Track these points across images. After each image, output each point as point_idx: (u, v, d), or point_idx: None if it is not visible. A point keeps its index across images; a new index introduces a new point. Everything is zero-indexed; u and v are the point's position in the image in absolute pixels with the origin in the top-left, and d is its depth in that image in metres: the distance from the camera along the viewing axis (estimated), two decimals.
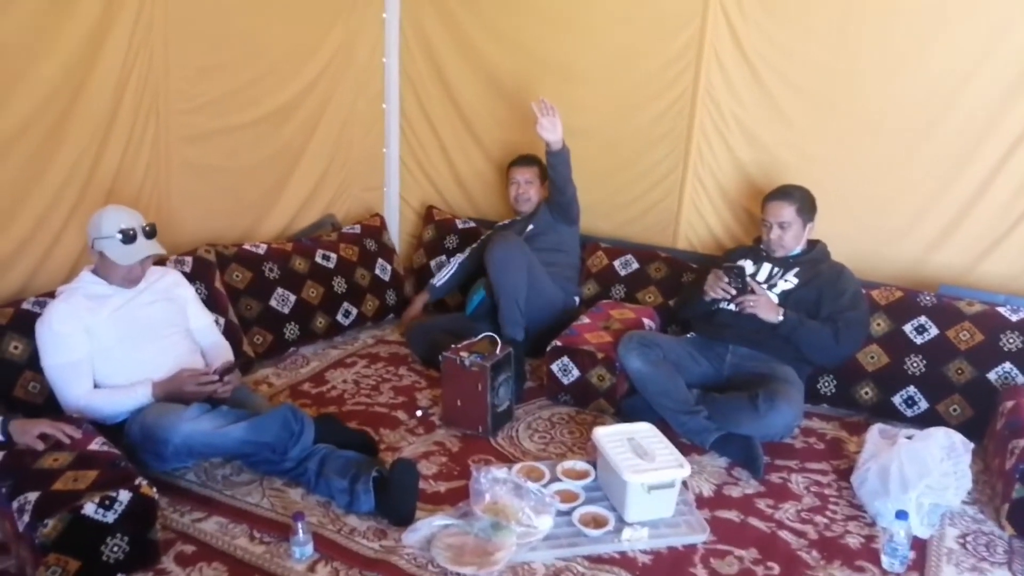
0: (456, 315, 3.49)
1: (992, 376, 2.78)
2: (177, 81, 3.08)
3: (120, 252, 2.45)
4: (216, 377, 2.47)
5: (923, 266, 3.21)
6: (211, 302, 2.98)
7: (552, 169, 3.28)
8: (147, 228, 2.51)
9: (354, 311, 3.58)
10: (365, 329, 3.68)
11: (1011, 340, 2.79)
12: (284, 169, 3.66)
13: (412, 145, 4.16)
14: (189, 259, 3.04)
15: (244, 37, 3.31)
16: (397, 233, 4.24)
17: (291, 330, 3.31)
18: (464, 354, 2.70)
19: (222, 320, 3.00)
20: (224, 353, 2.73)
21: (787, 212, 2.95)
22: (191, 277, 2.93)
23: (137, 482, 2.00)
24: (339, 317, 3.52)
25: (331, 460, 2.35)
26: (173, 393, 2.44)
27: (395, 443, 2.68)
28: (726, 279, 2.86)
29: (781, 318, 2.81)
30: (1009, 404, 2.54)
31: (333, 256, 3.55)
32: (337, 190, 3.95)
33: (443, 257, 3.85)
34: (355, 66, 3.89)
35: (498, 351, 2.74)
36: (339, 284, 3.52)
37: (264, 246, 3.37)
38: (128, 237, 2.45)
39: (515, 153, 3.71)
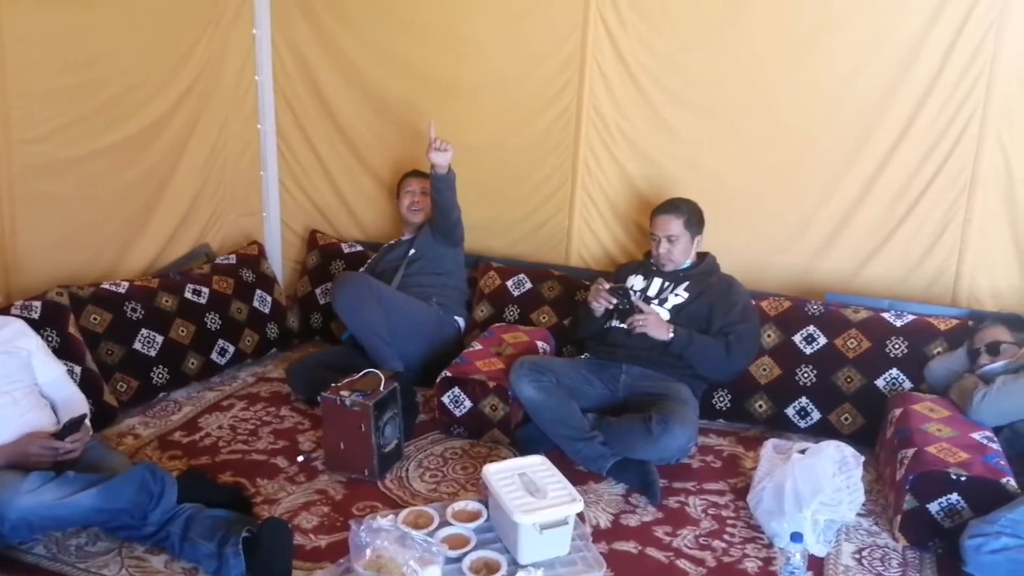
0: (340, 348, 3.30)
1: (880, 383, 2.80)
2: (18, 108, 2.81)
3: None
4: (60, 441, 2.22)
5: (810, 274, 3.24)
6: (65, 350, 2.72)
7: (438, 193, 3.16)
8: None
9: (231, 348, 3.34)
10: (245, 367, 3.44)
11: (897, 346, 2.82)
12: (149, 197, 3.39)
13: (292, 167, 3.95)
14: (38, 304, 2.76)
15: (96, 57, 3.07)
16: (279, 261, 4.01)
17: (159, 374, 3.06)
18: (344, 393, 2.53)
19: (78, 369, 2.73)
20: (79, 407, 2.47)
21: (675, 226, 2.92)
22: (40, 324, 2.67)
23: None
24: (214, 356, 3.27)
25: (197, 521, 2.14)
26: (15, 460, 2.18)
27: (273, 495, 2.48)
28: (604, 288, 2.80)
29: (671, 335, 2.77)
30: (897, 412, 2.55)
31: (205, 290, 3.31)
32: (211, 217, 3.70)
33: (329, 284, 3.65)
34: (224, 85, 3.66)
35: (382, 387, 2.58)
36: (212, 320, 3.28)
37: (125, 284, 3.10)
38: None
39: (401, 171, 3.59)
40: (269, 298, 3.59)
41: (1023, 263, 3.00)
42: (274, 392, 3.22)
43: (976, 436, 2.35)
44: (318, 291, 3.70)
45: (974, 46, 2.88)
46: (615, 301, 2.80)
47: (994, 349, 2.59)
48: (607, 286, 2.82)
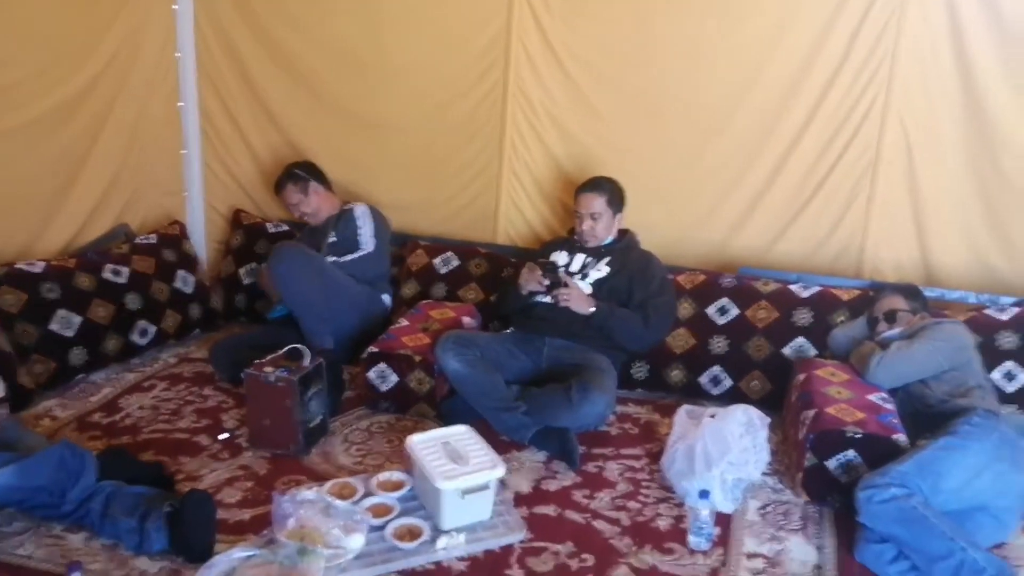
0: (265, 327, 3.28)
1: (787, 351, 2.95)
2: None
3: None
4: None
5: (726, 250, 3.37)
6: None
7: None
8: None
9: (152, 329, 3.29)
10: (167, 348, 3.39)
11: (803, 316, 2.97)
12: (65, 176, 3.30)
13: (215, 146, 3.89)
14: None
15: (3, 33, 2.96)
16: (203, 240, 3.95)
17: (77, 355, 2.99)
18: (268, 369, 2.54)
19: None
20: None
21: (597, 203, 3.00)
22: None
23: None
24: (135, 337, 3.22)
25: (117, 498, 2.14)
26: None
27: (196, 472, 2.47)
28: (539, 272, 2.89)
29: (593, 309, 2.86)
30: (802, 377, 2.70)
31: (125, 270, 3.24)
32: (131, 197, 3.62)
33: (254, 264, 3.63)
34: (144, 62, 3.58)
35: (306, 363, 2.59)
36: (133, 301, 3.22)
37: (41, 264, 3.02)
38: None
39: (325, 148, 3.57)
40: (192, 278, 3.54)
41: (922, 237, 3.19)
42: (197, 372, 3.19)
43: (872, 397, 2.50)
44: (242, 271, 3.67)
45: (877, 31, 3.02)
46: (547, 284, 2.88)
47: (891, 317, 2.76)
48: (539, 272, 2.89)
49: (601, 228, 3.02)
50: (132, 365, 3.22)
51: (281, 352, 2.65)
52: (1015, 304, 2.98)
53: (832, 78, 3.11)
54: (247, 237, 3.73)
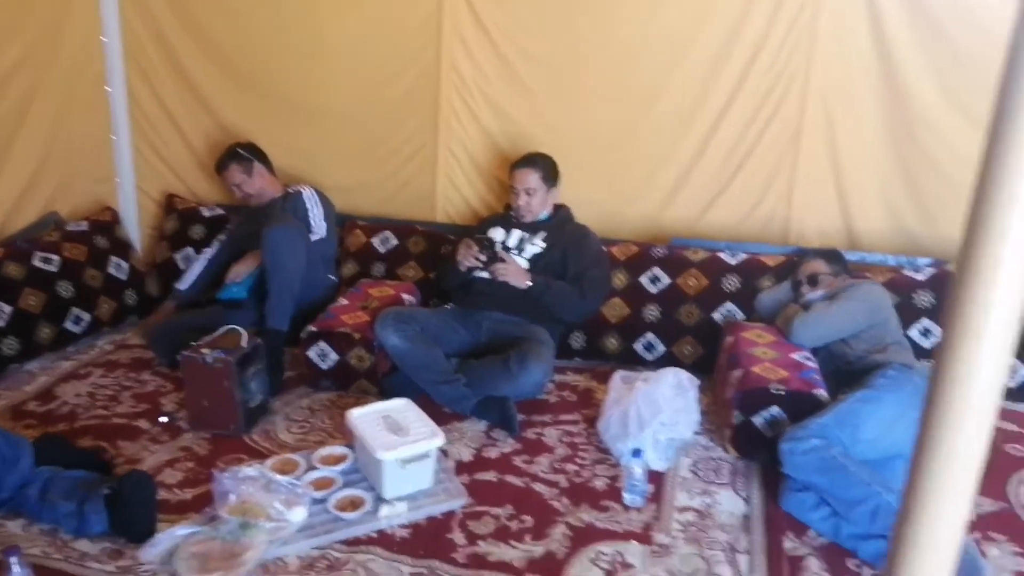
0: (204, 310, 3.26)
1: (716, 316, 3.06)
2: None
3: None
4: None
5: (658, 222, 3.45)
6: None
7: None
8: None
9: (87, 316, 3.25)
10: (102, 335, 3.35)
11: (731, 282, 3.08)
12: None
13: (146, 131, 3.82)
14: None
15: None
16: (136, 227, 3.88)
17: (9, 345, 2.94)
18: (206, 350, 2.54)
19: None
20: None
21: (532, 179, 3.06)
22: None
23: None
24: (68, 325, 3.17)
25: (56, 483, 2.13)
26: None
27: (135, 455, 2.47)
28: (476, 248, 2.94)
29: (529, 283, 2.92)
30: (730, 339, 2.81)
31: (55, 258, 3.18)
32: (59, 184, 3.54)
33: (190, 249, 3.59)
34: (68, 46, 3.49)
35: (244, 343, 2.60)
36: (65, 288, 3.17)
37: None
38: None
39: (257, 132, 3.53)
40: (126, 264, 3.49)
41: (843, 205, 3.31)
42: (135, 358, 3.16)
43: (795, 356, 2.62)
44: (178, 256, 3.62)
45: (797, 7, 3.11)
46: (483, 258, 2.93)
47: (813, 280, 2.88)
48: (476, 248, 2.94)
49: (536, 203, 3.08)
50: (67, 353, 3.18)
51: (219, 333, 2.64)
52: (930, 265, 3.13)
53: (754, 55, 3.18)
54: (181, 222, 3.69)
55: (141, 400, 2.82)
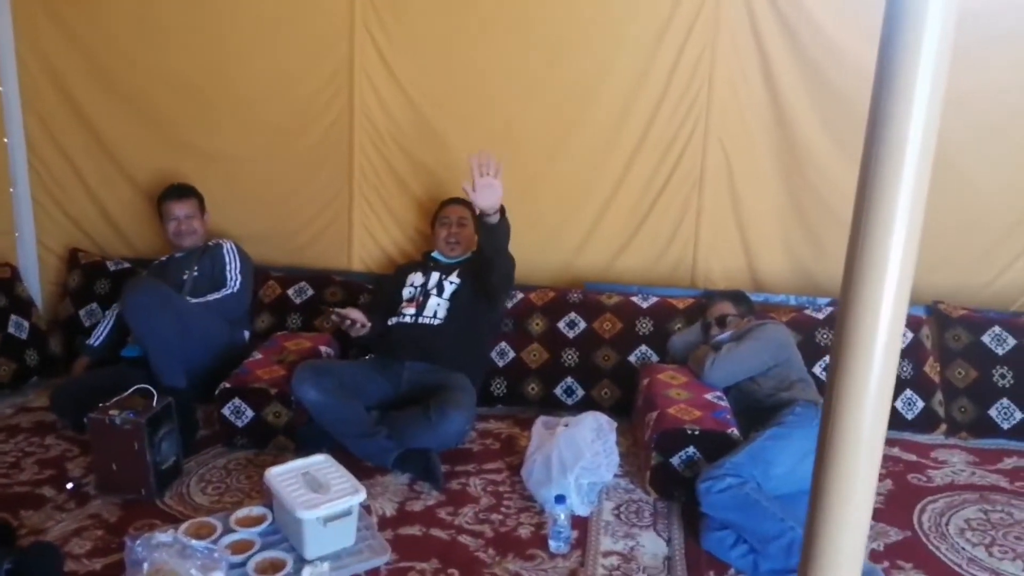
0: (109, 369, 3.14)
1: (632, 359, 3.15)
2: None
3: None
4: None
5: (571, 268, 3.54)
6: None
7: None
8: None
9: None
10: (2, 398, 3.18)
11: (644, 325, 3.18)
12: None
13: (46, 182, 3.70)
14: None
15: None
16: (37, 283, 3.73)
17: None
18: (114, 412, 2.44)
19: None
20: None
21: (464, 210, 3.24)
22: None
23: None
24: None
25: None
26: None
27: (40, 525, 2.33)
28: (336, 319, 2.95)
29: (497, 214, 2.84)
30: (645, 381, 2.89)
31: None
32: None
33: (94, 305, 3.47)
34: None
35: (155, 403, 2.51)
36: None
37: None
38: None
39: (166, 182, 3.46)
40: (26, 323, 3.34)
41: (746, 246, 3.47)
42: (37, 421, 3.01)
43: (708, 396, 2.72)
44: (82, 313, 3.49)
45: (693, 61, 3.27)
46: (339, 319, 2.92)
47: (722, 321, 3.00)
48: (334, 316, 2.95)
49: (467, 233, 3.22)
50: None
51: (127, 393, 2.55)
52: (829, 304, 3.31)
53: (657, 105, 3.33)
54: (85, 277, 3.56)
55: (45, 466, 2.68)
